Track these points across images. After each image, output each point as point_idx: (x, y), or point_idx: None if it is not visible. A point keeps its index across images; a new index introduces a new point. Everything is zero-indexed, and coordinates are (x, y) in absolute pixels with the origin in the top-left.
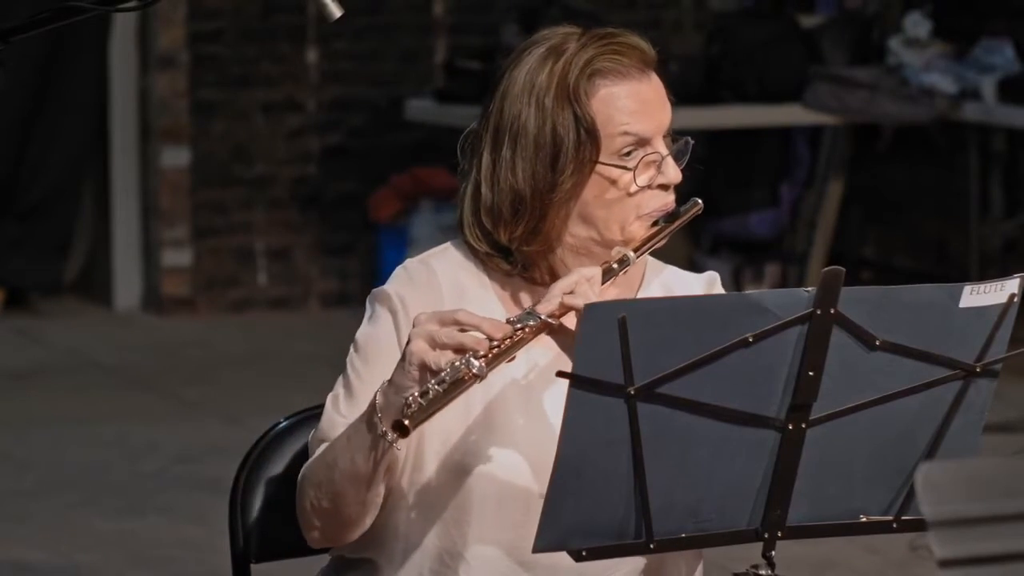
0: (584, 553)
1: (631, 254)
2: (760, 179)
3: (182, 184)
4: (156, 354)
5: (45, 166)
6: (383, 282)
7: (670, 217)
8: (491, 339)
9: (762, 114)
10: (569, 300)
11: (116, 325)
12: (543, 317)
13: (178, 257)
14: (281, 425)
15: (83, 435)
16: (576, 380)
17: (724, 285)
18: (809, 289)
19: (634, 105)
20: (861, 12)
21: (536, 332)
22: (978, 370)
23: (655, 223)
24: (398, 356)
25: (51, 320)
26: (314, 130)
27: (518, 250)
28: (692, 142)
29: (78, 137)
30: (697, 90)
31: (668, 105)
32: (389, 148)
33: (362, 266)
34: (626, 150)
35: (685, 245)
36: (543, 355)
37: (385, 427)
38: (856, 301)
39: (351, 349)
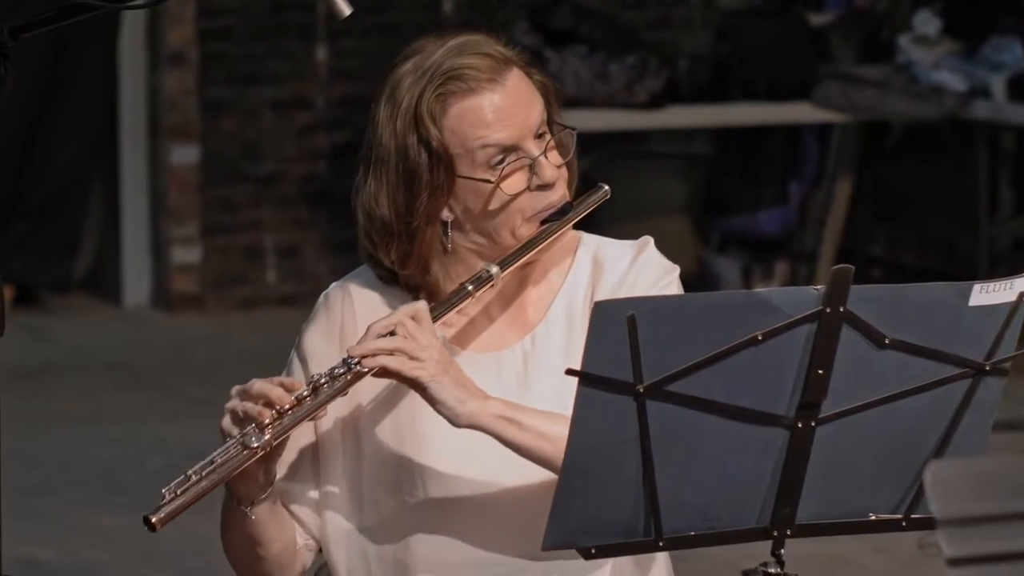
0: (593, 551)
1: (495, 269)
2: (769, 177)
3: (191, 181)
4: (165, 352)
5: (54, 163)
6: None
7: (561, 212)
8: (279, 407)
9: (771, 112)
10: (372, 361)
11: (125, 323)
12: (353, 367)
13: (187, 254)
14: None
15: (91, 433)
16: (585, 378)
17: (733, 283)
18: (818, 287)
19: (488, 116)
20: (870, 10)
21: (346, 385)
22: (987, 368)
23: (546, 221)
24: None
25: (60, 318)
26: (323, 127)
27: (399, 273)
28: (575, 131)
29: (87, 134)
30: (706, 88)
31: (535, 101)
32: None
33: None
34: (494, 160)
35: (693, 243)
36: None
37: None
38: (865, 299)
39: None
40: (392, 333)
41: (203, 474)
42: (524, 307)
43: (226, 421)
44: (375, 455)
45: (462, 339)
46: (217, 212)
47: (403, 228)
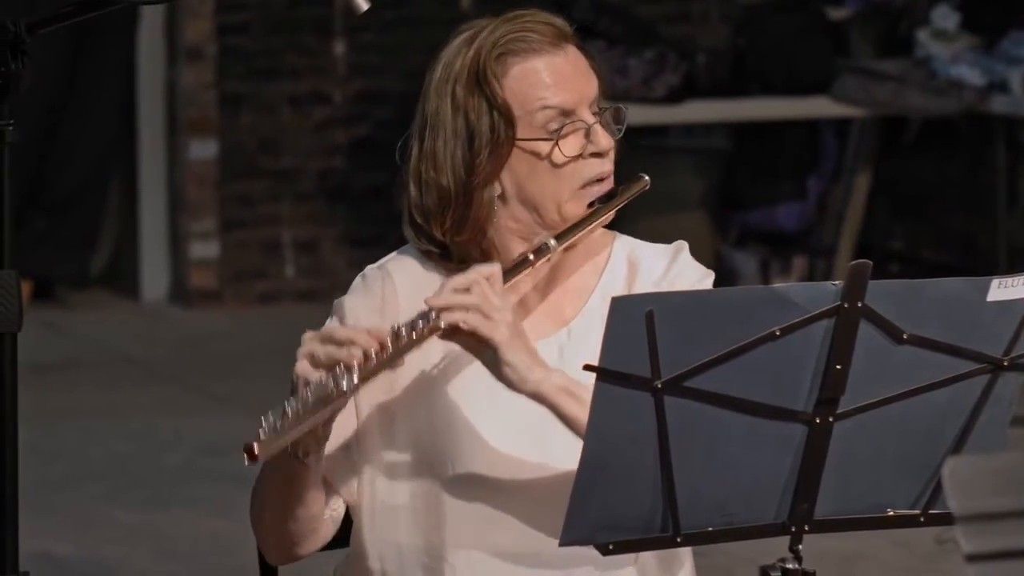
0: (611, 547)
1: (552, 241)
2: (787, 172)
3: (209, 176)
4: (183, 347)
5: (72, 159)
6: None
7: (607, 198)
8: (367, 351)
9: (789, 106)
10: (451, 316)
11: (143, 318)
12: (432, 319)
13: (205, 249)
14: None
15: (109, 428)
16: (603, 374)
17: (751, 278)
18: (836, 282)
19: (550, 78)
20: (889, 4)
21: (424, 336)
22: (1006, 364)
23: (591, 204)
24: None
25: (78, 313)
26: (341, 122)
27: (452, 242)
28: (625, 109)
29: (105, 130)
30: (724, 82)
31: (592, 76)
32: None
33: None
34: (551, 124)
35: (711, 237)
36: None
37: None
38: (884, 294)
39: None
40: (468, 289)
41: (300, 409)
42: (559, 300)
43: (303, 365)
44: (410, 435)
45: None
46: (235, 207)
47: (461, 191)
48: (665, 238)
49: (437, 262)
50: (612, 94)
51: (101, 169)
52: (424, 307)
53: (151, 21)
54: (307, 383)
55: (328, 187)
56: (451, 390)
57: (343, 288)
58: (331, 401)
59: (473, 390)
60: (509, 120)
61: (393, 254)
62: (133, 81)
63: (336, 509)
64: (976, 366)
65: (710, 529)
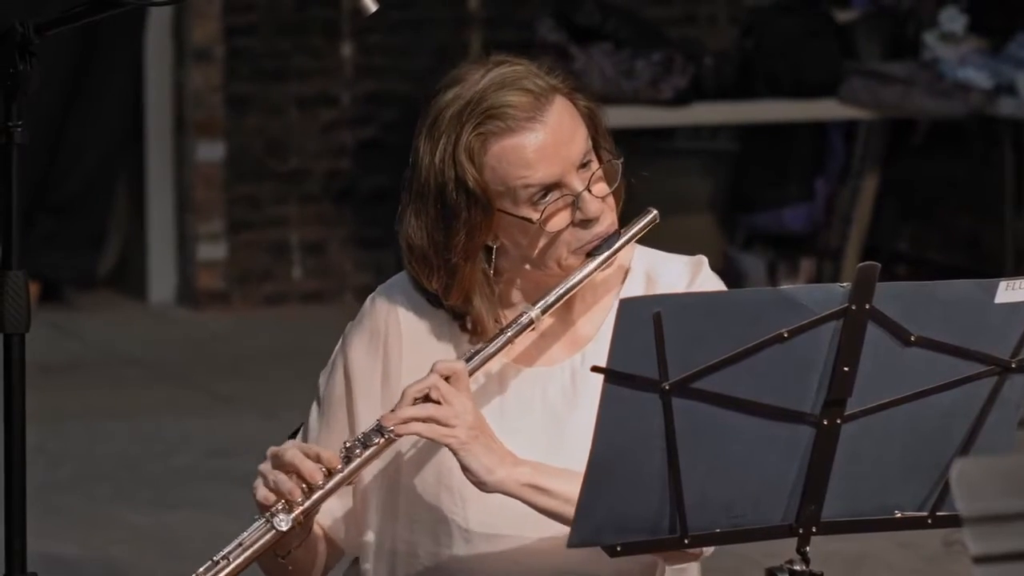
0: (618, 548)
1: (535, 312)
2: (795, 173)
3: (216, 178)
4: (190, 348)
5: (80, 160)
6: None
7: (610, 242)
8: (311, 483)
9: (797, 109)
10: (404, 430)
11: (150, 319)
12: (387, 433)
13: (212, 251)
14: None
15: (117, 429)
16: (610, 375)
17: (758, 280)
18: (844, 284)
19: (530, 156)
20: (896, 6)
21: (379, 451)
22: (1013, 366)
23: (592, 252)
24: (344, 421)
25: (85, 314)
26: (348, 124)
27: (444, 302)
28: (620, 161)
29: (113, 131)
30: (731, 84)
31: (578, 131)
32: None
33: (396, 260)
34: (536, 197)
35: (719, 239)
36: (498, 362)
37: None
38: (891, 296)
39: (316, 394)
40: (428, 395)
41: (231, 558)
42: (575, 322)
43: (259, 485)
44: (412, 474)
45: (510, 351)
46: (242, 208)
47: (442, 263)
48: (672, 240)
49: (439, 306)
50: (619, 97)
51: (108, 170)
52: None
53: (159, 22)
54: (259, 504)
55: (335, 189)
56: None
57: (350, 290)
58: (265, 542)
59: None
60: (487, 202)
61: (401, 277)
62: (140, 82)
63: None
64: (983, 368)
65: (717, 530)
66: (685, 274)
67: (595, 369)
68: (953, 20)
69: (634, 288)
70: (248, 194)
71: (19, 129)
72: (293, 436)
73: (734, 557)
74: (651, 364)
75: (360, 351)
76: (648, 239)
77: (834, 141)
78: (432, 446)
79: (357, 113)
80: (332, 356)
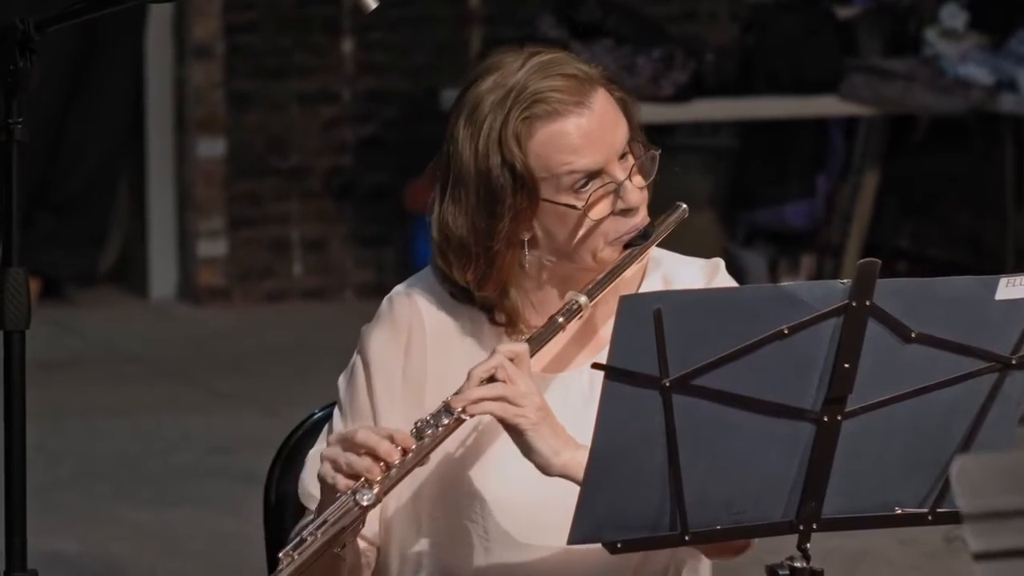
0: (619, 545)
1: (583, 299)
2: (796, 170)
3: (217, 175)
4: (191, 345)
5: (81, 157)
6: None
7: (645, 234)
8: (388, 462)
9: (797, 105)
10: (475, 409)
11: (151, 316)
12: (456, 414)
13: (213, 248)
14: (316, 416)
15: (117, 426)
16: (611, 372)
17: (759, 276)
18: (844, 281)
19: (575, 141)
20: (897, 3)
21: (449, 431)
22: (1014, 362)
23: (628, 244)
24: (370, 420)
25: (86, 311)
26: (349, 121)
27: (476, 293)
28: (658, 154)
29: (114, 128)
30: (732, 81)
31: (620, 123)
32: (424, 139)
33: (397, 257)
34: (578, 185)
35: (720, 236)
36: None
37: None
38: (892, 293)
39: (338, 400)
40: (493, 376)
41: (318, 534)
42: (595, 326)
43: (326, 468)
44: (436, 475)
45: (538, 359)
46: (243, 205)
47: (482, 251)
48: (673, 237)
49: (462, 300)
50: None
51: (109, 167)
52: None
53: (159, 19)
54: (329, 488)
55: (336, 185)
56: (482, 432)
57: (351, 287)
58: (351, 519)
59: (504, 434)
60: (533, 187)
61: (420, 277)
62: (141, 79)
63: (369, 556)
64: (984, 364)
65: (718, 527)
66: (701, 277)
67: (595, 366)
68: (954, 16)
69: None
70: (249, 191)
71: (19, 126)
72: (294, 433)
73: None
74: (651, 361)
75: (380, 349)
76: None
77: (835, 138)
78: (456, 450)
79: (358, 110)
80: (351, 360)
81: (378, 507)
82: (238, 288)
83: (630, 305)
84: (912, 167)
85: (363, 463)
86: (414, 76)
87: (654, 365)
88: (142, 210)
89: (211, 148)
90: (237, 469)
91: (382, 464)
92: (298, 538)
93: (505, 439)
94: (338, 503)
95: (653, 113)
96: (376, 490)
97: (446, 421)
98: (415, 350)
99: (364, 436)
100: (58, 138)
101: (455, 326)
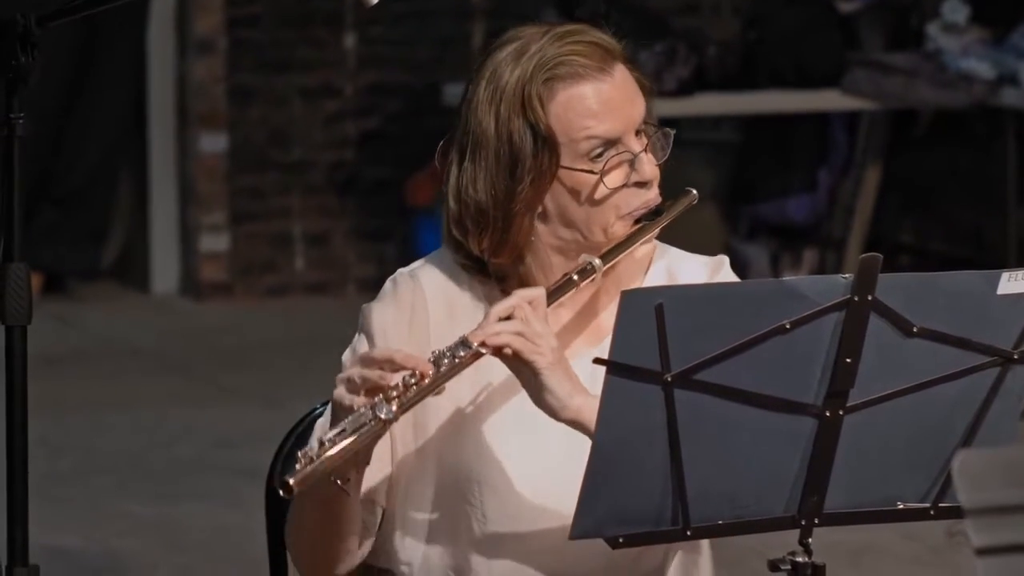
0: (621, 540)
1: (597, 261)
2: (798, 164)
3: (219, 169)
4: (193, 339)
5: (83, 152)
6: None
7: (655, 213)
8: (405, 379)
9: (799, 100)
10: (495, 340)
11: (153, 310)
12: (474, 347)
13: (215, 242)
14: (318, 411)
15: (120, 420)
16: (612, 367)
17: (761, 271)
18: (847, 275)
19: (595, 106)
20: None
21: (465, 363)
22: (1016, 357)
23: (639, 220)
24: None
25: (88, 305)
26: (351, 115)
27: (489, 261)
28: (672, 133)
29: (116, 123)
30: (734, 75)
31: (639, 98)
32: (426, 133)
33: (399, 251)
34: (595, 152)
35: (721, 230)
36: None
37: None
38: (894, 288)
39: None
40: (511, 315)
41: (337, 440)
42: (597, 314)
43: (340, 391)
44: (436, 456)
45: None
46: (245, 200)
47: (500, 215)
48: (675, 230)
49: (472, 275)
50: None
51: (111, 162)
52: (461, 334)
53: (161, 14)
54: (346, 409)
55: (338, 180)
56: (482, 416)
57: (353, 281)
58: (370, 430)
59: (503, 418)
60: (553, 148)
61: (423, 261)
62: (143, 74)
63: (346, 530)
64: (986, 359)
65: (720, 522)
66: (705, 273)
67: (597, 361)
68: (955, 11)
69: (657, 282)
70: (251, 185)
71: (21, 121)
72: (296, 427)
73: (736, 549)
74: (653, 356)
75: (383, 321)
76: None
77: (837, 132)
78: (456, 433)
79: (360, 104)
80: (354, 339)
81: (382, 471)
82: (240, 282)
83: (632, 300)
84: (914, 161)
85: (378, 374)
86: (416, 71)
87: (656, 360)
88: (144, 205)
89: (213, 142)
90: (239, 463)
91: (399, 382)
92: (318, 443)
93: (504, 422)
94: (355, 415)
95: (655, 107)
96: (395, 407)
97: (462, 353)
98: (418, 327)
99: (382, 351)
100: (60, 133)
101: (464, 298)
